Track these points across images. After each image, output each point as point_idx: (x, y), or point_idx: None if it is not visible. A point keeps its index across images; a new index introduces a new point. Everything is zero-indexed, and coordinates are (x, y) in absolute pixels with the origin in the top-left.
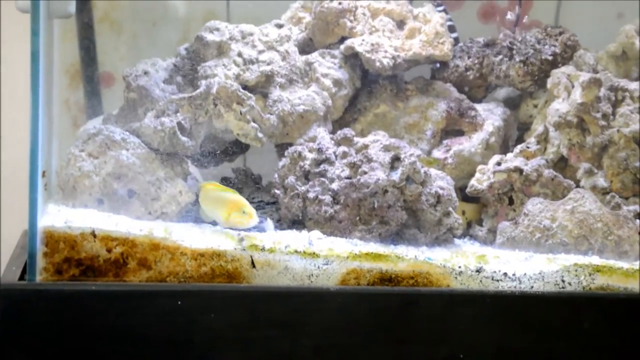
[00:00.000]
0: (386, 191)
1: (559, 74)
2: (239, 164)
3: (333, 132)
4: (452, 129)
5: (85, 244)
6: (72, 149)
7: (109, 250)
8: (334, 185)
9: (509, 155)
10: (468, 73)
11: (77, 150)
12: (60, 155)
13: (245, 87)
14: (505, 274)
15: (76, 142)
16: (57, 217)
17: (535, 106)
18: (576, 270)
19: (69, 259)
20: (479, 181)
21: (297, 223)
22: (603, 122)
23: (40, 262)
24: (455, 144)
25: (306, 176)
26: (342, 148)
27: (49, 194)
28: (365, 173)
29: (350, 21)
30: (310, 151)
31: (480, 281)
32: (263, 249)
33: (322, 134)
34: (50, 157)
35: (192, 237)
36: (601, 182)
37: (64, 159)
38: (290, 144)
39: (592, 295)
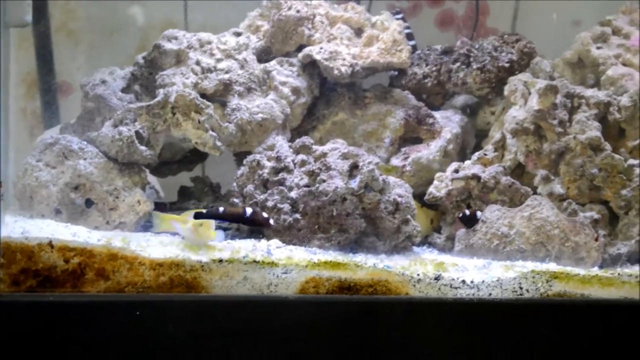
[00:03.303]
0: (345, 199)
1: (515, 81)
2: (198, 172)
3: (292, 140)
4: (410, 137)
5: (42, 254)
6: (29, 159)
7: (67, 261)
8: (293, 194)
9: (467, 162)
10: (426, 80)
11: (34, 160)
12: (17, 165)
13: (203, 96)
14: (463, 281)
15: (33, 152)
16: (13, 227)
17: (493, 113)
18: (534, 277)
19: (26, 269)
20: (437, 188)
21: (256, 232)
22: (560, 129)
23: None
24: (413, 152)
25: (265, 185)
26: (301, 156)
27: (6, 204)
28: (324, 181)
29: (309, 29)
30: (269, 160)
31: (439, 289)
32: (221, 260)
33: (280, 143)
34: (6, 167)
35: (150, 247)
36: (558, 188)
37: (21, 169)
38: (249, 153)
39: (549, 302)
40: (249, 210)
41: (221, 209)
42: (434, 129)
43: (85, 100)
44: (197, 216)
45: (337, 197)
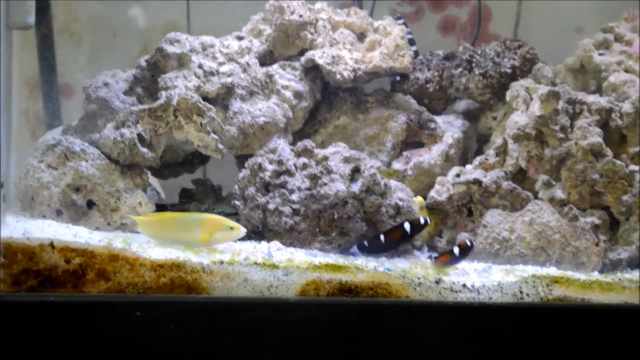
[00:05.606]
0: (346, 202)
1: (517, 87)
2: (199, 175)
3: (293, 143)
4: (412, 141)
5: (43, 255)
6: (31, 160)
7: (68, 261)
8: (294, 197)
9: (468, 167)
10: (428, 85)
11: (36, 161)
12: (19, 166)
13: (205, 99)
14: (464, 285)
15: (35, 153)
16: (15, 228)
17: (495, 118)
18: (534, 282)
19: (28, 270)
20: (439, 193)
21: (257, 234)
22: (561, 135)
23: None
24: (415, 156)
25: (266, 187)
26: (303, 159)
27: (7, 205)
28: (325, 184)
29: (311, 33)
30: (270, 162)
31: (440, 292)
32: (222, 262)
33: (282, 146)
34: (8, 168)
35: (151, 248)
36: (559, 194)
37: (23, 170)
38: (251, 155)
39: (549, 306)
40: (407, 226)
41: (382, 237)
42: (435, 134)
43: (88, 102)
44: (361, 248)
45: (338, 200)
